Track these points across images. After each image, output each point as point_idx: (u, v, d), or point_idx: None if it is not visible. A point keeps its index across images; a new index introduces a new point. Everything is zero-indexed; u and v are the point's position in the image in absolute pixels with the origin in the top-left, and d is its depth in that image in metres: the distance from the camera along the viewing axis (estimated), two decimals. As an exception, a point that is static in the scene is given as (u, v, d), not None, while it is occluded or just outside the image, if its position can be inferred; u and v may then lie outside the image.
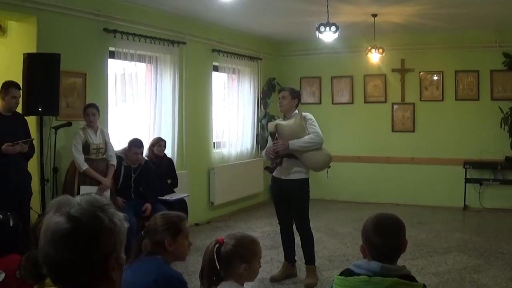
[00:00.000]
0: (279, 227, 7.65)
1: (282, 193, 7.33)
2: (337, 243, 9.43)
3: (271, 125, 7.35)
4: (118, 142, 9.02)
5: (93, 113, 7.84)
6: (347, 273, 3.16)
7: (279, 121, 7.37)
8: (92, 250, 1.77)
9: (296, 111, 7.31)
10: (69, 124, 7.85)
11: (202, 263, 3.32)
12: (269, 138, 7.54)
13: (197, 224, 10.68)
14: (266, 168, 7.54)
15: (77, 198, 1.84)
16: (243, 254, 3.31)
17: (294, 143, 7.01)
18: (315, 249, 7.48)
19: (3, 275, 4.14)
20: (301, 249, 7.46)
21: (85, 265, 1.77)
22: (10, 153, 6.79)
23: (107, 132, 8.23)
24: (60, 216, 1.77)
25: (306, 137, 7.04)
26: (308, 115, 7.29)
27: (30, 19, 7.83)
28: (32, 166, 7.46)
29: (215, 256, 3.26)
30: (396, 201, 12.68)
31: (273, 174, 7.41)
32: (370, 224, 3.21)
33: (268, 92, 13.47)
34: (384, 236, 3.15)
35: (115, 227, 1.83)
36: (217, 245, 3.29)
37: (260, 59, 13.10)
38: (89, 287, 1.80)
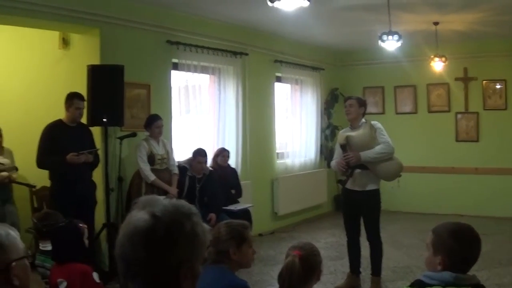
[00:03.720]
0: (346, 238, 7.43)
1: (354, 205, 7.11)
2: (401, 254, 9.09)
3: (341, 137, 7.14)
4: (182, 153, 8.96)
5: (161, 125, 7.83)
6: (418, 284, 2.99)
7: (349, 132, 7.12)
8: (167, 253, 1.73)
9: (364, 120, 7.13)
10: (134, 134, 7.79)
11: (282, 276, 3.36)
12: (337, 150, 7.36)
13: (260, 235, 10.46)
14: (339, 181, 7.36)
15: (165, 200, 1.82)
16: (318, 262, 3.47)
17: (366, 154, 6.82)
18: (380, 260, 7.27)
19: (64, 283, 4.08)
20: (368, 260, 7.25)
21: (157, 267, 1.74)
22: (75, 162, 6.83)
23: (169, 142, 8.20)
24: (144, 213, 1.75)
25: (377, 148, 6.84)
26: (377, 124, 7.09)
27: (93, 31, 7.86)
28: (97, 175, 7.47)
29: (298, 268, 3.31)
30: (459, 211, 12.11)
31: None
32: (450, 233, 3.01)
33: (331, 103, 13.21)
34: (467, 245, 3.00)
35: (196, 237, 1.79)
36: (296, 258, 3.33)
37: (323, 69, 12.85)
38: None
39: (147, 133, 7.87)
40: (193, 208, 1.84)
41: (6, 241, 2.40)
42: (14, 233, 2.47)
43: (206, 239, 1.85)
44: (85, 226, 4.76)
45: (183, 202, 1.84)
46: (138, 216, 1.76)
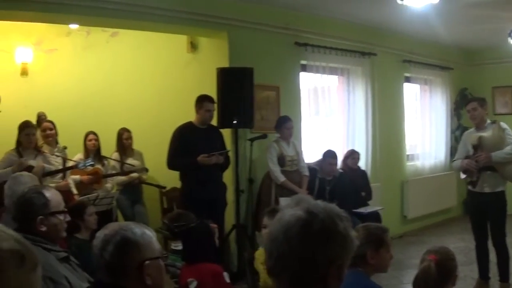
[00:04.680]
0: (475, 243, 7.18)
1: (480, 207, 6.90)
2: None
3: (473, 138, 6.85)
4: (312, 154, 8.86)
5: (291, 126, 7.77)
6: None
7: (481, 133, 6.85)
8: (321, 248, 1.74)
9: (488, 120, 6.93)
10: (264, 136, 7.75)
11: (417, 282, 3.29)
12: (460, 149, 7.20)
13: (389, 238, 10.12)
14: (470, 183, 7.01)
15: (317, 200, 1.84)
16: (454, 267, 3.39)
17: (497, 155, 6.58)
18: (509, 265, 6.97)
19: (195, 283, 4.06)
20: (496, 265, 7.00)
21: (308, 262, 1.74)
22: (206, 164, 6.87)
23: (299, 144, 8.12)
24: (299, 209, 1.77)
25: (507, 148, 6.59)
26: (503, 124, 6.85)
27: (221, 34, 7.92)
28: (227, 177, 7.50)
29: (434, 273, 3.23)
30: None
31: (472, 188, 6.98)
32: None
33: (460, 103, 12.68)
34: None
35: (348, 238, 1.80)
36: (432, 263, 3.26)
37: (452, 68, 12.37)
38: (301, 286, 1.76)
39: (277, 135, 7.81)
40: (343, 212, 1.84)
41: (141, 240, 2.49)
42: (150, 233, 2.55)
43: (355, 243, 1.84)
44: (216, 226, 4.83)
45: (334, 205, 1.84)
46: (292, 212, 1.77)
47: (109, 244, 2.47)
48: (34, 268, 1.09)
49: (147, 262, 2.46)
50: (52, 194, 3.46)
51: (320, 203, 1.82)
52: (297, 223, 1.73)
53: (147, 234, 2.54)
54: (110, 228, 2.57)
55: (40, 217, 3.32)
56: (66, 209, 3.55)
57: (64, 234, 3.53)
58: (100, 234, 2.55)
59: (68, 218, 3.55)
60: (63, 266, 3.32)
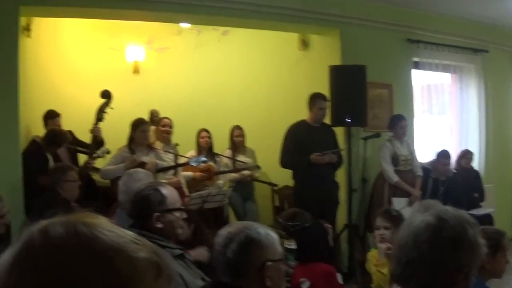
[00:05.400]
0: None
1: None
2: None
3: None
4: (424, 154, 8.68)
5: (405, 125, 7.60)
6: None
7: None
8: (450, 254, 1.75)
9: None
10: (378, 135, 7.60)
11: None
12: None
13: (502, 242, 9.76)
14: None
15: (447, 206, 1.88)
16: None
17: None
18: None
19: (307, 283, 4.05)
20: None
21: (436, 268, 1.74)
22: (319, 163, 6.78)
23: (412, 143, 7.93)
24: (428, 215, 1.78)
25: None
26: None
27: (333, 32, 7.84)
28: (340, 176, 7.38)
29: None
30: None
31: None
32: None
33: None
34: None
35: (478, 245, 1.80)
36: None
37: None
38: None
39: (390, 134, 7.65)
40: (473, 219, 1.86)
41: (265, 240, 2.48)
42: (274, 235, 2.54)
43: (483, 251, 1.83)
44: (330, 226, 4.79)
45: (463, 211, 1.88)
46: (422, 217, 1.79)
47: (233, 242, 2.46)
48: (169, 282, 1.04)
49: (269, 263, 2.45)
50: (169, 191, 3.47)
51: (449, 208, 1.84)
52: (427, 229, 1.75)
53: (271, 235, 2.53)
54: (234, 226, 2.58)
55: (157, 214, 3.33)
56: (182, 207, 3.55)
57: (180, 231, 3.50)
58: (223, 231, 2.55)
59: (185, 215, 3.54)
60: (178, 263, 3.30)
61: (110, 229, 1.00)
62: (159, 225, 3.34)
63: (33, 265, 0.94)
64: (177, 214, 3.46)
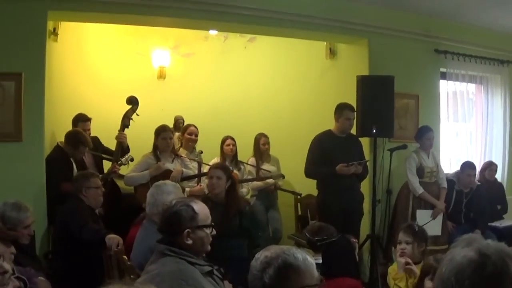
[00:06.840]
0: None
1: None
2: None
3: None
4: (449, 165, 8.57)
5: (432, 137, 7.49)
6: None
7: None
8: None
9: None
10: (404, 146, 7.50)
11: None
12: None
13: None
14: None
15: (488, 240, 1.82)
16: None
17: None
18: None
19: None
20: None
21: None
22: (345, 173, 6.67)
23: (437, 155, 7.81)
24: (470, 250, 1.75)
25: None
26: None
27: (361, 41, 7.75)
28: (365, 186, 7.27)
29: None
30: None
31: None
32: None
33: None
34: None
35: None
36: None
37: None
38: None
39: (417, 145, 7.55)
40: None
41: (302, 265, 2.43)
42: (311, 260, 2.49)
43: None
44: (356, 240, 4.80)
45: (504, 244, 1.80)
46: (464, 253, 1.75)
47: (270, 267, 2.41)
48: None
49: None
50: (200, 207, 3.40)
51: (491, 243, 1.78)
52: (469, 265, 1.71)
53: (309, 260, 2.47)
54: (271, 250, 2.50)
55: (187, 230, 3.27)
56: (213, 223, 3.46)
57: (209, 248, 3.42)
58: (260, 255, 2.49)
59: (214, 232, 3.45)
60: (207, 280, 3.25)
61: None
62: (189, 241, 3.28)
63: None
64: (208, 230, 3.39)
